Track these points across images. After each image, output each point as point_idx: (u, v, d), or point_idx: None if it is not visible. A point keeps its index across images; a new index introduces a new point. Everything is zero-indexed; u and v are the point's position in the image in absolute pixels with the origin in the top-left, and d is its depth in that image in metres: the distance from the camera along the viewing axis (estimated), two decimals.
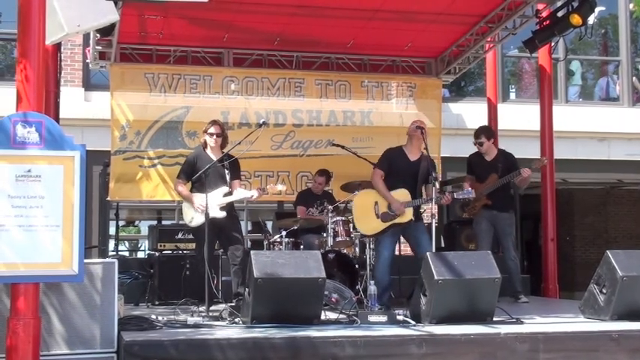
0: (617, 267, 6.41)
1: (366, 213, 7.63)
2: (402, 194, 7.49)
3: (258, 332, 5.57)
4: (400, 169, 7.64)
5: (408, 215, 7.45)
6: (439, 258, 6.34)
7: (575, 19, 8.78)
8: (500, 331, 5.84)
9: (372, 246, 8.03)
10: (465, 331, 5.75)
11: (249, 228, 13.95)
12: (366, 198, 7.72)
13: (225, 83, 10.46)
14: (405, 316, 6.25)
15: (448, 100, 13.59)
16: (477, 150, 8.77)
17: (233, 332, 5.65)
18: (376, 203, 7.60)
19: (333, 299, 7.01)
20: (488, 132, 8.89)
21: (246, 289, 6.09)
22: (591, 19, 9.00)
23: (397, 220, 7.45)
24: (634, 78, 15.02)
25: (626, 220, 15.35)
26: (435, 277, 6.09)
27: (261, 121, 7.89)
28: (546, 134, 9.99)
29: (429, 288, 6.17)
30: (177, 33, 9.87)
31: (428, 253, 6.41)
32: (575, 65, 15.24)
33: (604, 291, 6.52)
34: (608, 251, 6.59)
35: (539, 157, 9.47)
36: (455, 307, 6.15)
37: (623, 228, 14.79)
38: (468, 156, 8.97)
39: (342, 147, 9.40)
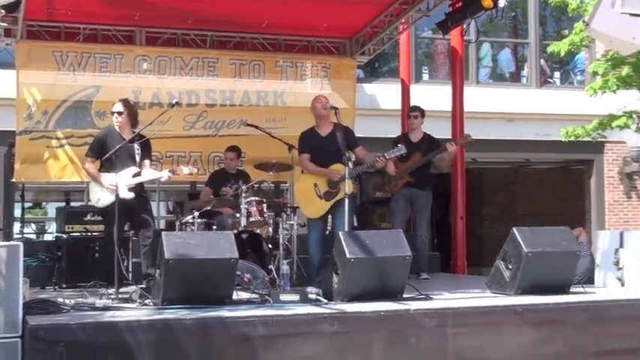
0: (522, 243, 6.59)
1: (309, 197, 7.69)
2: (337, 169, 7.55)
3: (169, 314, 5.51)
4: (319, 147, 7.71)
5: (344, 190, 7.51)
6: (351, 237, 6.40)
7: (487, 1, 8.93)
8: (409, 307, 5.93)
9: (285, 226, 8.06)
10: (375, 309, 5.83)
11: (162, 209, 13.78)
12: (305, 183, 7.79)
13: (137, 62, 10.27)
14: (318, 294, 6.30)
15: (362, 81, 13.67)
16: (400, 133, 8.96)
17: (143, 314, 5.58)
18: (316, 185, 7.67)
19: (245, 279, 7.00)
20: (423, 111, 9.10)
21: (157, 271, 6.02)
22: (502, 2, 9.18)
23: (339, 197, 7.52)
24: (541, 60, 15.43)
25: (532, 198, 15.81)
26: (347, 256, 6.15)
27: (173, 102, 7.80)
28: (457, 115, 10.18)
29: (341, 267, 6.23)
30: (86, 10, 9.63)
31: (340, 233, 6.47)
32: (486, 47, 15.53)
33: (510, 267, 6.70)
34: (514, 228, 6.75)
35: (464, 135, 9.63)
36: (366, 285, 6.21)
37: (530, 206, 15.23)
38: (384, 137, 9.10)
39: (256, 127, 9.37)
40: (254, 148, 9.72)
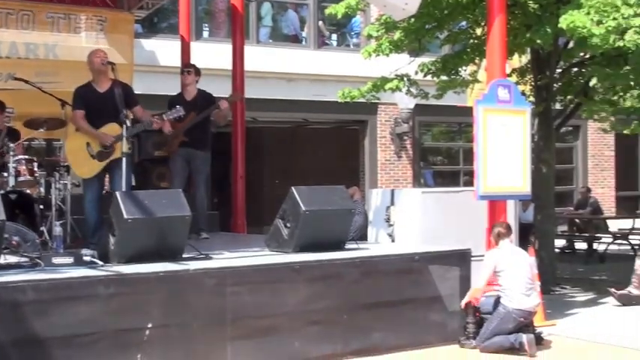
0: (300, 202, 6.73)
1: (81, 156, 7.42)
2: (112, 129, 7.30)
3: None
4: (96, 104, 7.43)
5: (120, 150, 7.26)
6: (129, 197, 6.23)
7: None
8: (189, 267, 5.89)
9: (58, 186, 7.71)
10: (154, 270, 5.73)
11: None
12: (77, 141, 7.50)
13: None
14: (93, 256, 6.07)
15: (141, 37, 13.29)
16: (177, 92, 8.79)
17: None
18: (88, 144, 7.42)
19: (14, 242, 6.58)
20: (198, 69, 8.97)
21: None
22: None
23: (113, 157, 7.27)
24: (320, 22, 15.75)
25: (310, 157, 16.18)
26: (125, 216, 5.97)
27: None
28: (238, 74, 10.15)
29: (118, 227, 6.05)
30: None
31: (117, 192, 6.28)
32: (267, 7, 15.60)
33: (288, 225, 6.84)
34: (293, 187, 6.88)
35: (236, 92, 9.65)
36: (145, 246, 6.07)
37: (308, 165, 15.59)
38: (163, 94, 8.91)
39: (25, 81, 8.79)
40: (23, 104, 9.17)
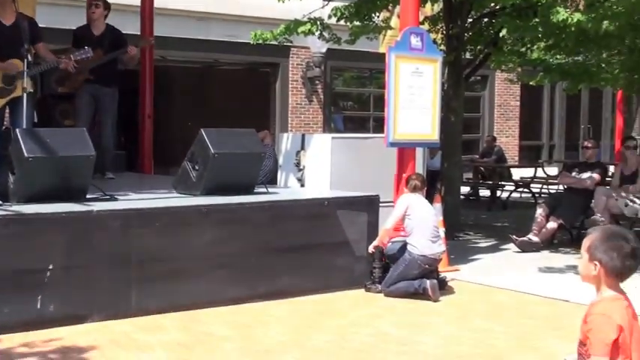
0: (209, 144, 6.62)
1: None
2: (15, 64, 7.01)
3: None
4: (0, 37, 7.15)
5: (22, 87, 6.96)
6: (30, 134, 6.01)
7: None
8: (93, 208, 5.74)
9: None
10: (56, 210, 5.56)
11: None
12: None
13: None
14: None
15: None
16: (84, 23, 8.45)
17: None
18: None
19: None
20: (108, 4, 8.66)
21: None
22: None
23: (15, 95, 7.01)
24: None
25: (221, 99, 15.95)
26: (25, 155, 5.75)
27: None
28: (147, 10, 9.85)
29: (19, 166, 5.83)
30: None
31: (17, 130, 6.05)
32: None
33: (197, 167, 6.74)
34: (202, 129, 6.76)
35: (145, 37, 9.38)
36: (46, 186, 5.89)
37: (219, 107, 15.37)
38: (70, 27, 8.58)
39: None
40: None
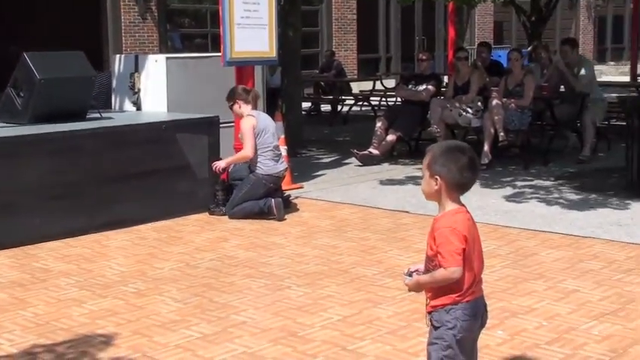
0: (34, 69, 6.24)
1: None
2: None
3: None
4: None
5: None
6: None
7: None
8: None
9: None
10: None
11: None
12: None
13: None
14: None
15: None
16: None
17: None
18: None
19: None
20: None
21: None
22: None
23: None
24: None
25: (46, 19, 15.02)
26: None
27: None
28: None
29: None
30: None
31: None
32: None
33: (22, 94, 6.35)
34: (25, 53, 6.37)
35: None
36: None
37: (45, 28, 14.47)
38: None
39: None
40: None
